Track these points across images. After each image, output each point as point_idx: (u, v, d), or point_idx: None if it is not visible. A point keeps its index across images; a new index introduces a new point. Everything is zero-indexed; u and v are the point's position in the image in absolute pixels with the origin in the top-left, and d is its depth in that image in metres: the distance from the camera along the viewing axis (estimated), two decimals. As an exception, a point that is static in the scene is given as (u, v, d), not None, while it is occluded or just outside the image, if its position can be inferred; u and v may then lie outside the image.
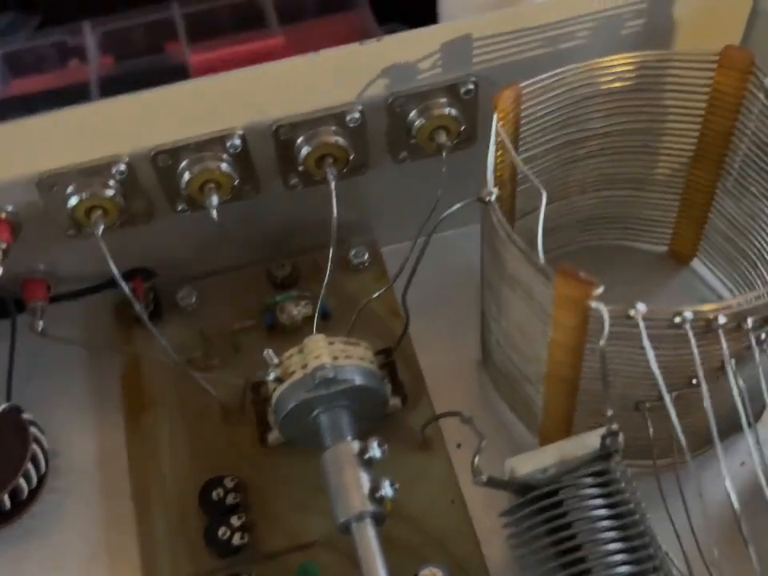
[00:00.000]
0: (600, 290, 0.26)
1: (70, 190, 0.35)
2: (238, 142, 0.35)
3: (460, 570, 0.32)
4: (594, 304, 0.26)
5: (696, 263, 0.41)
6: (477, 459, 0.28)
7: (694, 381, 0.29)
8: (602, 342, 0.26)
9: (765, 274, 0.36)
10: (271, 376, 0.33)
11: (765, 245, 0.36)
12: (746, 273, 0.38)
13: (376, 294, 0.37)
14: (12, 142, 0.34)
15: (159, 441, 0.37)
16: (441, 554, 0.32)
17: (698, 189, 0.38)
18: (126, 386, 0.39)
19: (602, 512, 0.28)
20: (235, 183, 0.36)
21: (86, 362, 0.41)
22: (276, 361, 0.33)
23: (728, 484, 0.26)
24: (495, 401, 0.38)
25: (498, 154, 0.33)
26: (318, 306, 0.37)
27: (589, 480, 0.28)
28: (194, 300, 0.41)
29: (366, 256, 0.41)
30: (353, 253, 0.41)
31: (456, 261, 0.41)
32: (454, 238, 0.41)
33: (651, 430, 0.31)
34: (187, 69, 0.55)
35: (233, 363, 0.39)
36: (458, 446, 0.36)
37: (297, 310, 0.39)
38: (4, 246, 0.35)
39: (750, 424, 0.28)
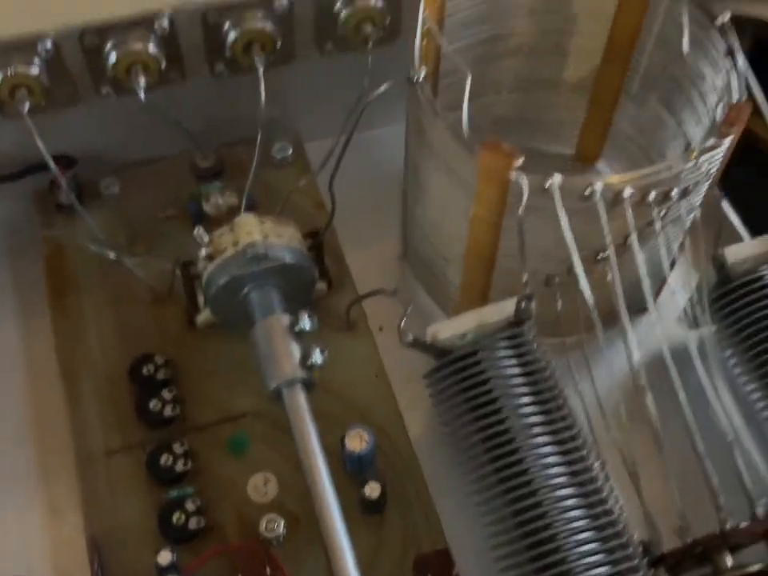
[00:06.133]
0: (521, 160, 0.28)
1: (-9, 66, 0.34)
2: (165, 23, 0.35)
3: (383, 434, 0.34)
4: (515, 174, 0.28)
5: (601, 165, 0.44)
6: (403, 322, 0.30)
7: (600, 255, 0.32)
8: (520, 211, 0.29)
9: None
10: (203, 252, 0.34)
11: (663, 147, 0.39)
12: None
13: (303, 182, 0.38)
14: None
15: (85, 321, 0.37)
16: (366, 422, 0.34)
17: (606, 91, 0.40)
18: (50, 269, 0.39)
19: (516, 370, 0.30)
20: (162, 67, 0.36)
21: (3, 251, 0.40)
22: (207, 239, 0.34)
23: (631, 341, 0.29)
24: (415, 289, 0.40)
25: (424, 43, 0.34)
26: (245, 194, 0.38)
27: (504, 342, 0.31)
28: (117, 189, 0.41)
29: (290, 151, 0.42)
30: (276, 147, 0.42)
31: (381, 159, 0.43)
32: (381, 136, 0.42)
33: (560, 302, 0.33)
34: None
35: (157, 250, 0.39)
36: (380, 329, 0.38)
37: (222, 200, 0.40)
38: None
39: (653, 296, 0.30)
